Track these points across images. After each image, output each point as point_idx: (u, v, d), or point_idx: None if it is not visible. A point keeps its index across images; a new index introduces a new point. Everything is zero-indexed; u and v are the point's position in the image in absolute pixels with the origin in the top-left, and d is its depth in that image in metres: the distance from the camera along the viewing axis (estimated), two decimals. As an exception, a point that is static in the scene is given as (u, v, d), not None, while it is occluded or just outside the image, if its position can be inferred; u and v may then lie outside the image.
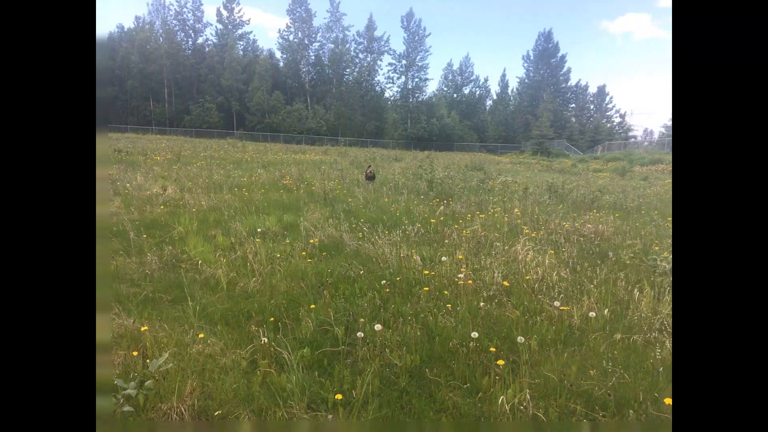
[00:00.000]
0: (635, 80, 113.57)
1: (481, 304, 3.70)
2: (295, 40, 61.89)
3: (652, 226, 8.02)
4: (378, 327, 3.11)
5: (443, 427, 2.38)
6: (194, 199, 8.85)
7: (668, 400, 2.43)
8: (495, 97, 71.11)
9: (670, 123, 51.66)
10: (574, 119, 68.34)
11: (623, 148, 39.84)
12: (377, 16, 71.98)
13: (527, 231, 6.81)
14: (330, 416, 2.44)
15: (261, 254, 5.10)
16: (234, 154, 23.82)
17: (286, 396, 2.57)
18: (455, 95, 69.09)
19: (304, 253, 5.32)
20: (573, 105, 70.57)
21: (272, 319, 3.45)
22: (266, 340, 3.00)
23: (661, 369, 2.80)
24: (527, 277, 4.53)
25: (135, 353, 2.88)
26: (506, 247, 5.69)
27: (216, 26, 61.60)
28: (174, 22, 60.63)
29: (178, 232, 6.05)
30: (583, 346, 3.34)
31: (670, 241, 6.54)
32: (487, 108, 71.48)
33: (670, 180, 19.72)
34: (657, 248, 5.89)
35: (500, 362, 2.83)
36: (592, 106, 71.03)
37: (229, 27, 61.40)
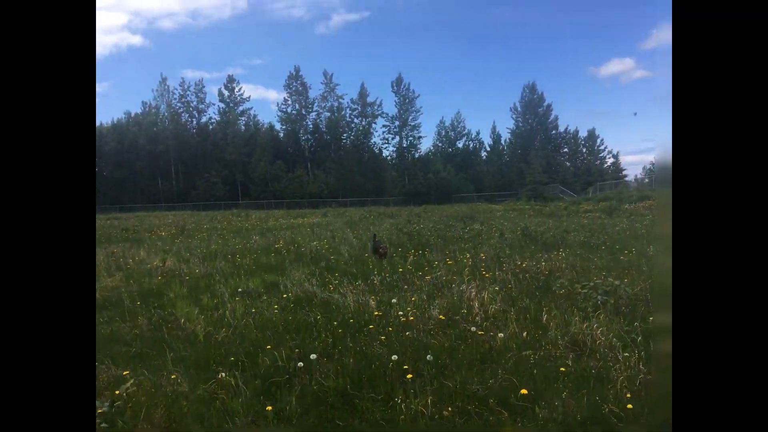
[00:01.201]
0: (625, 121, 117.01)
1: (407, 333, 4.39)
2: (293, 111, 65.49)
3: (607, 259, 8.71)
4: (313, 356, 3.83)
5: None
6: (189, 268, 9.68)
7: (524, 391, 3.10)
8: (488, 149, 73.59)
9: (655, 161, 52.92)
10: (568, 164, 70.13)
11: (614, 188, 40.89)
12: (368, 83, 75.92)
13: (484, 273, 7.52)
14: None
15: (238, 311, 5.84)
16: (236, 224, 24.97)
17: (234, 414, 3.24)
18: (450, 149, 71.54)
19: (276, 306, 6.05)
20: (566, 150, 72.66)
21: (232, 359, 4.15)
22: (224, 375, 3.71)
23: (535, 371, 3.47)
24: (463, 311, 5.22)
25: (117, 392, 3.59)
26: (461, 288, 6.39)
27: (218, 105, 65.58)
28: (178, 104, 64.71)
29: (169, 298, 6.82)
30: (495, 363, 3.98)
31: (610, 272, 7.22)
32: (483, 159, 73.76)
33: (651, 216, 20.41)
34: (597, 280, 6.55)
35: (409, 376, 3.51)
36: (584, 150, 73.05)
37: (231, 105, 65.28)
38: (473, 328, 4.48)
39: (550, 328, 4.61)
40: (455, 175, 63.40)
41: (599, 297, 5.22)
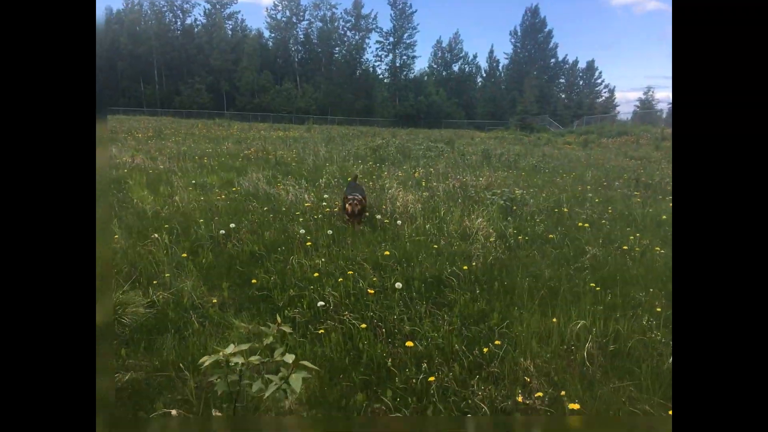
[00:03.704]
0: (631, 55, 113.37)
1: (319, 216, 5.16)
2: (283, 18, 62.33)
3: (543, 180, 9.45)
4: (232, 225, 4.58)
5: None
6: (155, 165, 10.24)
7: (387, 252, 3.91)
8: (484, 74, 71.73)
9: (644, 97, 52.47)
10: (563, 95, 69.11)
11: (599, 122, 40.97)
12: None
13: (424, 183, 8.24)
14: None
15: (188, 198, 6.53)
16: (216, 132, 25.09)
17: (160, 263, 4.02)
18: (444, 72, 69.62)
19: (223, 196, 6.74)
20: (562, 80, 71.22)
21: (167, 226, 4.90)
22: (157, 236, 4.45)
23: (407, 244, 4.28)
24: (383, 208, 5.97)
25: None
26: (392, 191, 7.11)
27: (204, 6, 62.01)
28: (162, 2, 60.98)
29: (129, 185, 7.47)
30: (388, 243, 4.77)
31: (531, 185, 7.96)
32: (478, 85, 72.15)
33: (617, 149, 21.03)
34: (517, 191, 7.30)
35: (308, 244, 4.29)
36: (581, 82, 71.65)
37: (217, 6, 61.72)
38: (378, 216, 5.24)
39: (450, 223, 5.40)
40: (447, 100, 62.39)
41: (502, 202, 5.97)
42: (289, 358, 1.85)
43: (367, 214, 5.50)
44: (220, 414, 2.04)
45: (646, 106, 50.09)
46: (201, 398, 2.25)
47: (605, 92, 70.74)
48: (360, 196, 5.28)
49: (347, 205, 5.18)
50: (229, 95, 58.57)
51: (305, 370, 1.83)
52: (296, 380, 1.77)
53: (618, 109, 66.37)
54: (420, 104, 59.41)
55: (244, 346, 1.86)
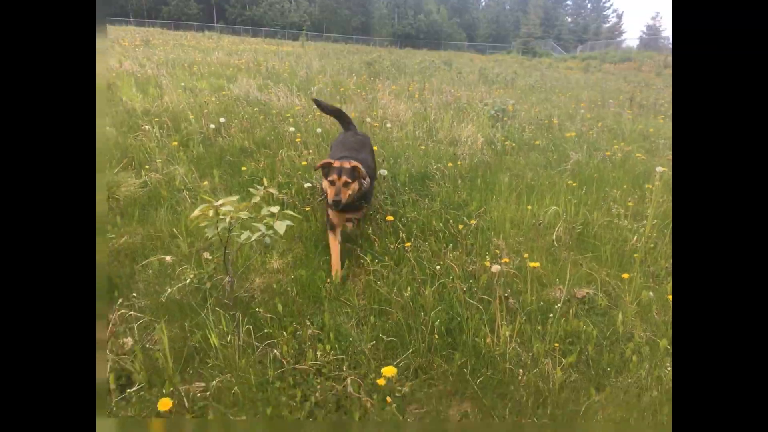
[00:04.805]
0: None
1: (309, 117, 5.17)
2: None
3: (538, 98, 9.35)
4: (222, 120, 4.61)
5: None
6: (144, 71, 9.94)
7: (374, 147, 4.01)
8: (489, -9, 67.78)
9: (652, 23, 50.13)
10: (569, 18, 65.92)
11: (605, 47, 39.47)
12: None
13: (416, 95, 8.14)
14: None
15: (177, 99, 6.44)
16: (206, 44, 23.99)
17: (151, 151, 4.09)
18: (446, -12, 65.62)
19: (214, 99, 6.66)
20: (569, 2, 67.65)
21: (156, 119, 4.91)
22: (147, 127, 4.47)
23: (396, 146, 4.36)
24: (374, 113, 5.96)
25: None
26: (389, 102, 7.05)
27: None
28: None
29: (117, 86, 7.31)
30: (377, 144, 4.84)
31: (526, 102, 7.91)
32: (481, 5, 68.48)
33: (620, 74, 20.52)
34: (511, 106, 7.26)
35: (298, 140, 4.35)
36: (589, 4, 68.12)
37: None
38: (368, 119, 5.26)
39: (439, 130, 5.44)
40: (448, 20, 59.36)
41: (493, 112, 5.97)
42: (274, 208, 2.00)
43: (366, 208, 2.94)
44: (210, 257, 2.22)
45: (653, 32, 47.98)
46: (192, 253, 2.44)
47: (613, 17, 67.57)
48: (354, 163, 2.60)
49: (326, 182, 2.61)
50: (219, 7, 55.25)
51: (289, 219, 1.99)
52: (281, 226, 1.93)
53: (625, 35, 63.80)
54: (419, 23, 56.58)
55: (233, 198, 2.00)
